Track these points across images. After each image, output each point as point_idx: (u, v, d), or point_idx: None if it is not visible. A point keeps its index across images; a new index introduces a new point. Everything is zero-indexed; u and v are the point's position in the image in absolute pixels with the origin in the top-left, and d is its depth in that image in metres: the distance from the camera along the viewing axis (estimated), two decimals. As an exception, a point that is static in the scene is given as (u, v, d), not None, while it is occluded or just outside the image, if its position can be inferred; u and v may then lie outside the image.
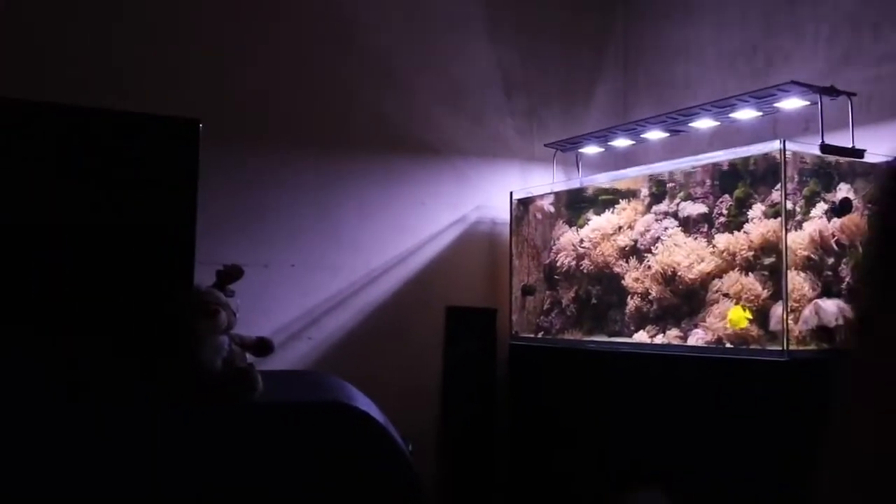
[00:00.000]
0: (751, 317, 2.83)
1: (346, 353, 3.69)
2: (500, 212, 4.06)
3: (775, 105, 3.16)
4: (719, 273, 3.07)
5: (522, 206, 4.05)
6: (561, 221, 3.94)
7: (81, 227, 1.73)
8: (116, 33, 3.34)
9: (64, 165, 1.74)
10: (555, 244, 3.89)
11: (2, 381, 1.59)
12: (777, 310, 2.79)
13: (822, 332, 2.76)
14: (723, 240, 3.08)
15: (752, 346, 2.84)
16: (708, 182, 3.28)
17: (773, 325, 2.79)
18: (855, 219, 2.88)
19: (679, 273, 3.17)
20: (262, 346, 2.04)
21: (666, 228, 3.33)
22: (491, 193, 4.07)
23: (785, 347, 2.66)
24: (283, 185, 3.63)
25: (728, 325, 2.84)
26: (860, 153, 2.89)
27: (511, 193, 4.01)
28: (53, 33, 3.24)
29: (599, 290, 3.62)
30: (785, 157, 2.76)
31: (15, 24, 3.21)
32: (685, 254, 3.18)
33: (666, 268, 3.22)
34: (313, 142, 3.71)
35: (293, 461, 1.76)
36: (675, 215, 3.35)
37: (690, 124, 3.53)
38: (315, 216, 3.69)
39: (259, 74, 3.60)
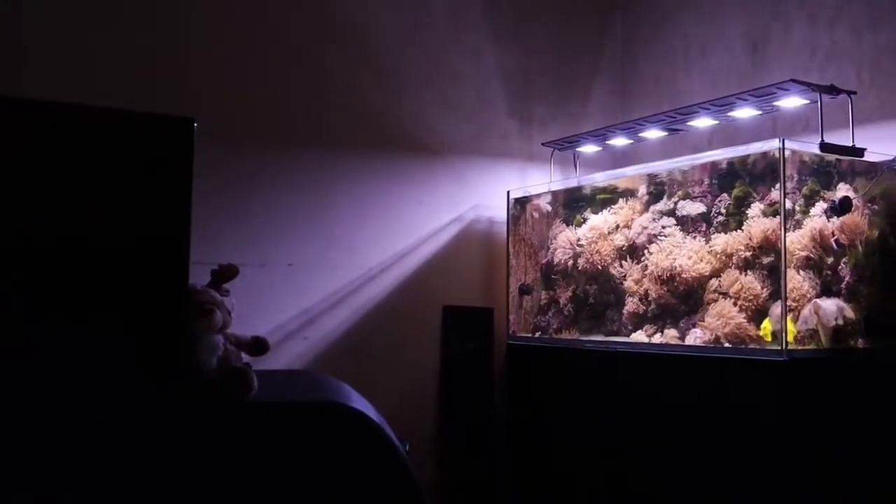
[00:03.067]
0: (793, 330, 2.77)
1: (342, 352, 3.67)
2: (498, 211, 4.05)
3: (774, 104, 3.15)
4: (717, 272, 3.05)
5: (520, 206, 4.03)
6: (558, 220, 3.93)
7: (76, 228, 1.71)
8: (111, 29, 3.31)
9: (56, 163, 1.72)
10: (552, 243, 3.88)
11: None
12: (777, 309, 2.78)
13: (821, 331, 2.75)
14: (721, 239, 3.07)
15: (751, 346, 2.82)
16: (706, 181, 3.27)
17: (774, 324, 2.78)
18: (855, 218, 2.87)
19: (679, 273, 3.16)
20: (258, 346, 2.02)
21: (664, 227, 3.31)
22: (488, 192, 4.06)
23: (784, 347, 2.64)
24: (281, 185, 3.61)
25: (762, 334, 2.81)
26: (860, 152, 2.88)
27: (508, 192, 3.99)
28: (44, 28, 3.22)
29: (597, 290, 3.61)
30: (784, 156, 2.75)
31: None
32: (685, 254, 3.16)
33: (664, 269, 3.20)
34: (310, 141, 3.69)
35: (288, 462, 1.74)
36: (673, 214, 3.33)
37: (689, 123, 3.52)
38: (312, 215, 3.67)
39: (256, 73, 3.57)
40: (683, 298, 3.18)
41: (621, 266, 3.46)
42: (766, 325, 2.77)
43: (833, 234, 2.86)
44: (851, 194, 2.88)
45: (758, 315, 2.87)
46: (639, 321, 3.34)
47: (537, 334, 3.86)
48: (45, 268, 1.67)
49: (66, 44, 3.22)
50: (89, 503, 1.62)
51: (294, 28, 3.67)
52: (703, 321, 3.00)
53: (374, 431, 1.81)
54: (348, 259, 3.74)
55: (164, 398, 1.68)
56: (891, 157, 2.93)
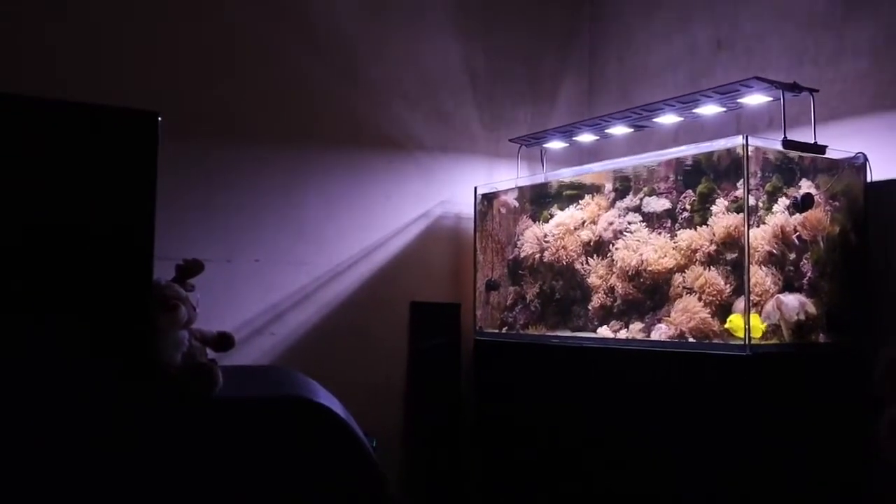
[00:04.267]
0: (762, 326, 2.79)
1: (309, 348, 3.66)
2: (465, 207, 4.05)
3: (738, 101, 3.18)
4: (682, 268, 3.08)
5: (487, 201, 4.04)
6: (525, 216, 3.94)
7: (38, 222, 1.69)
8: (74, 22, 3.27)
9: (19, 158, 1.70)
10: (519, 239, 3.89)
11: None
12: (741, 305, 2.81)
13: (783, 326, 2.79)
14: (686, 235, 3.10)
15: (715, 341, 2.85)
16: (671, 177, 3.30)
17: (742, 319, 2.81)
18: (817, 214, 2.91)
19: (644, 268, 3.18)
20: (223, 341, 2.01)
21: (630, 223, 3.34)
22: (456, 188, 4.06)
23: (747, 342, 2.68)
24: (248, 181, 3.59)
25: (729, 328, 2.83)
26: (822, 149, 2.92)
27: (476, 188, 4.00)
28: (12, 22, 3.17)
29: (563, 285, 3.63)
30: (747, 153, 2.78)
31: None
32: (651, 249, 3.19)
33: (629, 263, 3.23)
34: (278, 137, 3.67)
35: (254, 457, 1.74)
36: (638, 210, 3.36)
37: (654, 120, 3.54)
38: (279, 211, 3.66)
39: (222, 68, 3.55)
40: (649, 294, 3.20)
41: (587, 262, 3.49)
42: (734, 320, 2.80)
43: (795, 231, 2.90)
44: (813, 191, 2.92)
45: (721, 310, 2.90)
46: (605, 316, 3.36)
47: (504, 330, 3.88)
48: (6, 262, 1.65)
49: (21, 35, 3.18)
50: (52, 497, 1.60)
51: (262, 24, 3.65)
52: (668, 316, 3.03)
53: (340, 426, 1.81)
54: (316, 255, 3.73)
55: (128, 395, 1.67)
56: (852, 154, 2.97)
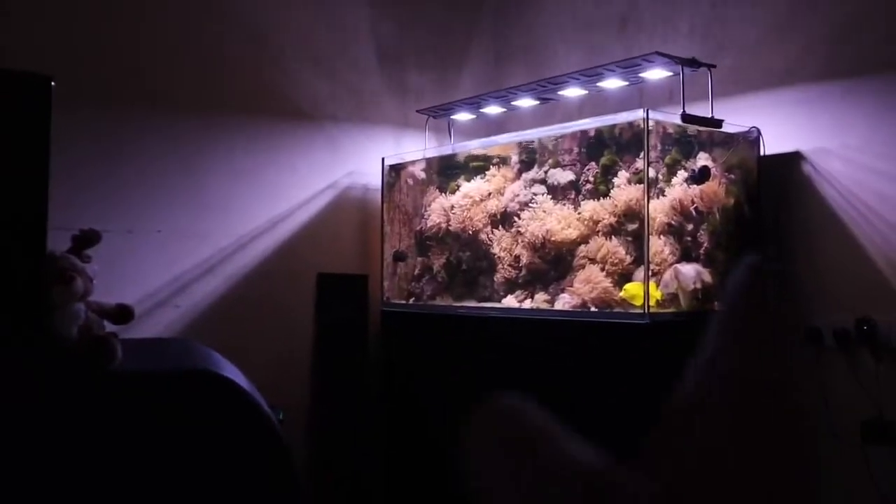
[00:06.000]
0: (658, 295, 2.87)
1: (215, 320, 3.61)
2: (373, 178, 4.04)
3: (640, 75, 3.25)
4: (585, 239, 3.15)
5: (394, 173, 4.04)
6: (433, 188, 3.95)
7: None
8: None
9: None
10: (426, 210, 3.90)
11: None
12: (640, 274, 2.89)
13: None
14: (589, 206, 3.16)
15: (616, 310, 2.93)
16: (576, 149, 3.35)
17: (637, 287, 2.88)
18: (713, 186, 3.00)
19: (549, 239, 3.23)
20: (122, 314, 1.96)
21: (535, 195, 3.38)
22: (363, 159, 4.04)
23: (646, 310, 2.75)
24: (149, 149, 3.50)
25: (624, 297, 2.90)
26: (718, 123, 3.01)
27: (383, 159, 3.99)
28: None
29: (470, 256, 3.66)
30: (648, 126, 2.84)
31: None
32: (556, 220, 3.24)
33: (536, 235, 3.28)
34: (180, 105, 3.58)
35: (154, 432, 1.71)
36: (544, 182, 3.41)
37: (560, 92, 3.59)
38: (183, 182, 3.58)
39: (122, 32, 3.44)
40: (553, 264, 3.26)
41: (493, 233, 3.52)
42: (629, 288, 2.88)
43: (693, 202, 2.98)
44: (710, 163, 3.01)
45: (623, 280, 2.98)
46: (510, 287, 3.41)
47: (411, 301, 3.90)
48: None
49: None
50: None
51: (161, -13, 3.55)
52: (572, 286, 3.09)
53: (242, 398, 1.79)
54: (220, 226, 3.67)
55: (20, 370, 1.62)
56: (746, 129, 3.07)
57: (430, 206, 3.88)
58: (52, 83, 1.74)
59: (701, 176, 2.96)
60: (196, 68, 3.61)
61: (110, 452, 1.69)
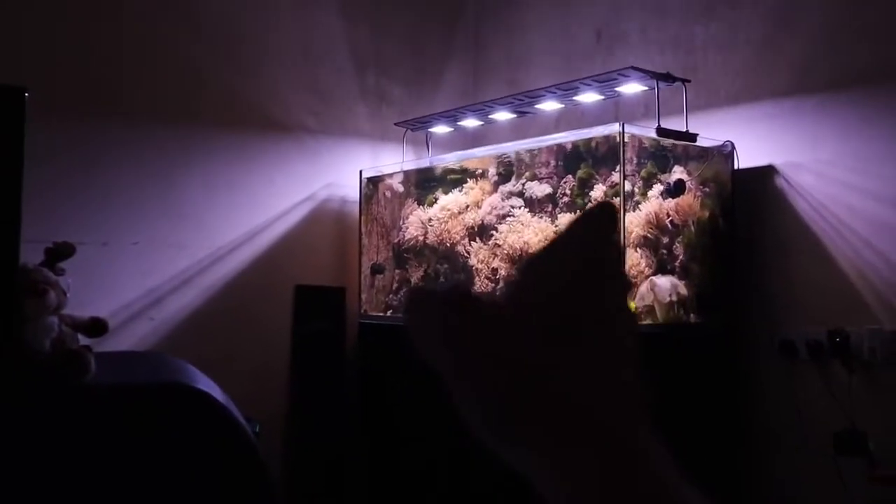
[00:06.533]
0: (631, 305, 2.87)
1: (190, 333, 3.59)
2: (350, 190, 4.04)
3: (616, 89, 3.27)
4: (562, 251, 3.15)
5: (372, 185, 4.04)
6: (410, 200, 3.96)
7: None
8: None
9: None
10: (404, 223, 3.91)
11: None
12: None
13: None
14: (566, 219, 3.18)
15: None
16: (553, 162, 3.37)
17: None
18: (688, 199, 3.03)
19: (526, 251, 3.25)
20: (96, 327, 1.95)
21: (513, 208, 3.40)
22: (341, 171, 4.04)
23: (622, 323, 2.76)
24: (125, 161, 3.49)
25: None
26: (693, 137, 3.03)
27: (361, 172, 3.99)
28: None
29: (448, 269, 3.66)
30: (624, 140, 2.86)
31: None
32: (533, 232, 3.26)
33: (514, 247, 3.29)
34: (157, 116, 3.57)
35: (129, 445, 1.70)
36: (521, 195, 3.42)
37: (536, 106, 3.61)
38: (160, 194, 3.57)
39: (99, 44, 3.43)
40: (530, 277, 3.26)
41: (471, 245, 3.53)
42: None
43: (668, 215, 3.01)
44: (685, 177, 3.04)
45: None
46: (487, 299, 3.41)
47: (389, 313, 3.89)
48: None
49: None
50: None
51: (143, 2, 3.54)
52: (548, 298, 3.09)
53: (218, 411, 1.79)
54: (197, 237, 3.65)
55: (-7, 382, 1.61)
56: (720, 143, 3.10)
57: (407, 218, 3.89)
58: (26, 94, 1.74)
59: (676, 189, 2.99)
60: (172, 79, 3.60)
61: (84, 466, 1.67)
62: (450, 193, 3.74)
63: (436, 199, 3.80)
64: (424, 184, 3.94)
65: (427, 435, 3.48)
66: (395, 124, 4.06)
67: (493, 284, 3.40)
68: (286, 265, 3.86)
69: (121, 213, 3.47)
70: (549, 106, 3.59)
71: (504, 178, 3.56)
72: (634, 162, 3.05)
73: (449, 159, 3.89)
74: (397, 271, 3.94)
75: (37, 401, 1.65)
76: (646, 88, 3.20)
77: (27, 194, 1.73)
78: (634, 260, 2.92)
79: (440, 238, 3.67)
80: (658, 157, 3.09)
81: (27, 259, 1.80)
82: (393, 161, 4.10)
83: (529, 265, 0.53)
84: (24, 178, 1.73)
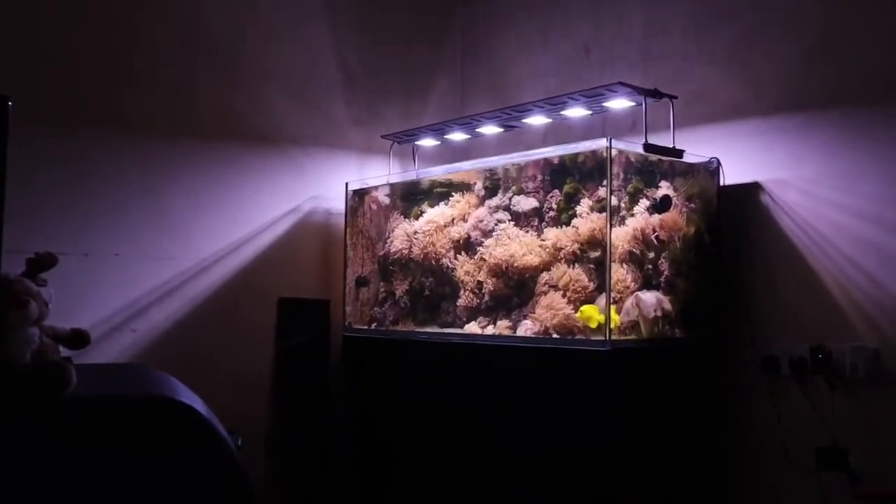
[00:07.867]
0: (601, 320, 2.87)
1: (173, 345, 3.57)
2: (336, 202, 4.03)
3: (604, 104, 3.28)
4: (548, 266, 3.16)
5: (358, 197, 4.03)
6: (396, 213, 3.95)
7: None
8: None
9: None
10: (390, 236, 3.90)
11: None
12: (602, 301, 2.90)
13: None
14: (552, 233, 3.18)
15: (578, 337, 2.94)
16: (539, 177, 3.37)
17: (597, 311, 2.90)
18: (674, 215, 3.03)
19: (511, 265, 3.24)
20: (77, 338, 1.93)
21: (499, 221, 3.39)
22: (326, 184, 4.03)
23: (608, 337, 2.76)
24: (109, 172, 3.46)
25: (580, 318, 2.91)
26: (679, 153, 3.04)
27: (347, 184, 3.98)
28: None
29: (433, 282, 3.65)
30: (611, 155, 2.87)
31: None
32: (519, 246, 3.25)
33: (500, 260, 3.28)
34: (141, 127, 3.55)
35: (110, 459, 1.68)
36: (507, 209, 3.42)
37: (523, 120, 3.61)
38: (143, 204, 3.54)
39: (84, 53, 3.41)
40: (516, 290, 3.27)
41: (456, 258, 3.53)
42: (585, 310, 2.90)
43: (654, 231, 3.01)
44: (671, 192, 3.04)
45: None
46: (473, 313, 3.41)
47: (373, 326, 3.88)
48: None
49: None
50: None
51: (129, 11, 3.53)
52: (534, 313, 3.10)
53: (201, 425, 1.77)
54: (181, 249, 3.63)
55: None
56: (706, 159, 3.11)
57: (393, 231, 3.88)
58: (10, 103, 1.72)
59: (662, 205, 2.99)
60: (157, 91, 3.59)
61: (64, 480, 1.65)
62: (436, 206, 3.73)
63: (422, 212, 3.79)
64: (410, 197, 3.93)
65: (412, 447, 3.46)
66: (382, 137, 4.06)
67: (478, 298, 3.39)
68: (270, 277, 3.84)
69: (103, 223, 3.44)
70: (537, 120, 3.60)
71: (491, 191, 3.55)
72: (621, 177, 3.05)
73: (436, 172, 3.89)
74: (382, 284, 3.93)
75: (16, 413, 1.63)
76: (633, 104, 3.21)
77: (9, 204, 1.72)
78: (620, 275, 2.92)
79: (425, 251, 3.66)
80: (644, 173, 3.10)
81: (8, 269, 1.78)
82: (379, 174, 4.09)
83: None
84: (6, 188, 1.72)
